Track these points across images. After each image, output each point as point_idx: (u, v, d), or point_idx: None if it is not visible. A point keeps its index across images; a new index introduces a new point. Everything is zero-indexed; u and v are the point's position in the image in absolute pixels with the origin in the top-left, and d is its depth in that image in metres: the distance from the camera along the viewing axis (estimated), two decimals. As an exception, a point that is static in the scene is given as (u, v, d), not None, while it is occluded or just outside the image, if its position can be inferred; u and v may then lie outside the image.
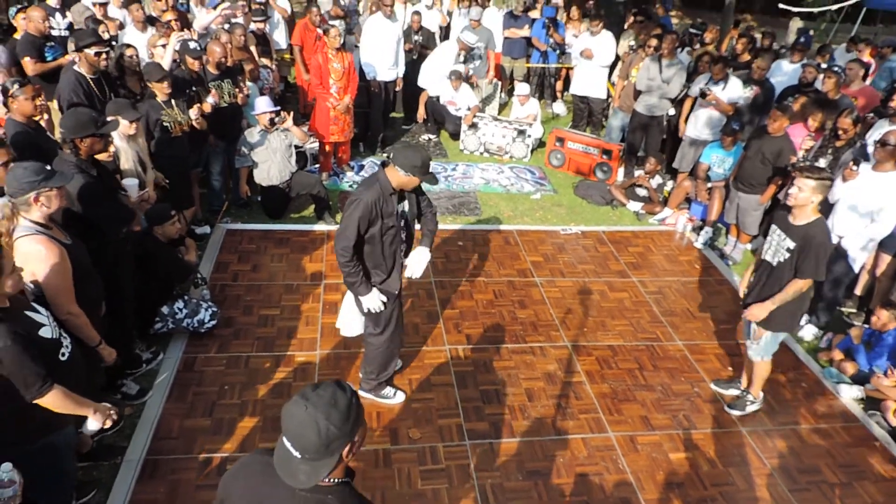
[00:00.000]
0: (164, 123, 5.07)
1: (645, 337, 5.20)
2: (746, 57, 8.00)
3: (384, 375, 4.19)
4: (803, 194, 3.72)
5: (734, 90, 6.88)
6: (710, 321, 5.46)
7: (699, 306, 5.66)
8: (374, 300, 3.78)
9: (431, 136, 8.95)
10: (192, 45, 5.57)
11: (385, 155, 3.69)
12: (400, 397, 4.30)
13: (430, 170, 3.58)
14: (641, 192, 7.35)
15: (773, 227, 4.00)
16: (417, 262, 3.90)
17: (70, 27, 6.84)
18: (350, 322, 4.18)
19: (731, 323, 5.39)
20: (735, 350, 5.06)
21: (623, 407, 4.46)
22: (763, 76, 7.01)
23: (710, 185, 6.73)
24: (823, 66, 6.97)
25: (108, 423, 2.78)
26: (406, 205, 3.77)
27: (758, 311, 4.00)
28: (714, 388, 4.67)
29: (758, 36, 9.87)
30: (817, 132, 5.79)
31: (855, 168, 4.99)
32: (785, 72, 7.56)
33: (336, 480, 1.74)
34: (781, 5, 6.40)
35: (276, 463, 1.71)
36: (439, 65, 8.51)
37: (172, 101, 5.16)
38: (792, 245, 3.82)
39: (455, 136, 8.77)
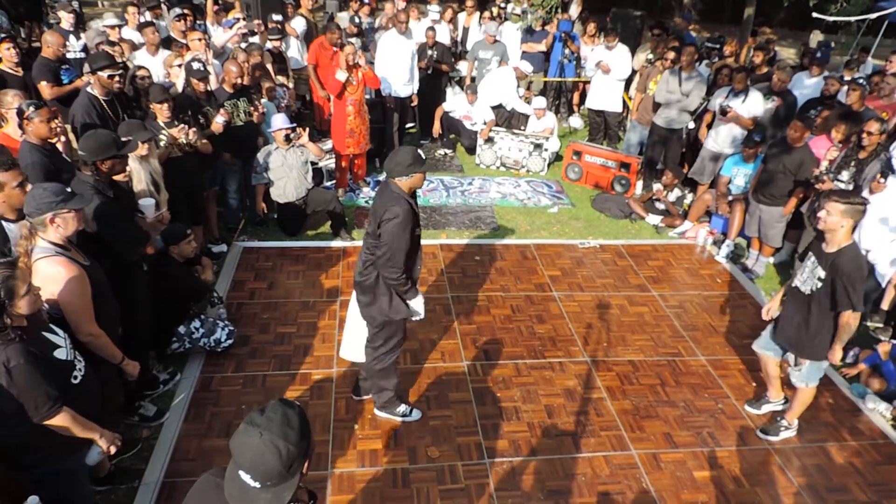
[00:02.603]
0: (163, 144, 5.04)
1: (666, 352, 5.11)
2: (764, 69, 7.91)
3: (390, 388, 4.12)
4: (832, 218, 3.60)
5: (755, 104, 6.78)
6: (732, 336, 5.35)
7: (721, 321, 5.56)
8: (421, 303, 3.84)
9: (447, 151, 8.95)
10: (196, 65, 5.50)
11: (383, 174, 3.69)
12: (416, 414, 4.25)
13: (424, 158, 3.58)
14: (660, 205, 7.27)
15: (810, 253, 3.89)
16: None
17: (85, 49, 6.95)
18: (356, 346, 4.15)
19: (755, 337, 5.23)
20: (759, 365, 4.91)
21: (645, 424, 4.37)
22: (784, 88, 6.93)
23: (730, 198, 6.64)
24: (847, 78, 6.86)
25: (113, 450, 2.76)
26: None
27: (834, 358, 3.87)
28: (747, 410, 4.54)
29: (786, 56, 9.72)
30: (842, 144, 5.69)
31: (882, 181, 4.89)
32: (807, 84, 7.46)
33: None
34: (815, 14, 6.31)
35: (232, 497, 1.64)
36: (499, 91, 8.64)
37: (175, 123, 5.13)
38: (823, 274, 3.72)
39: (471, 150, 8.77)
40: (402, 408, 4.23)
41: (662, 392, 4.68)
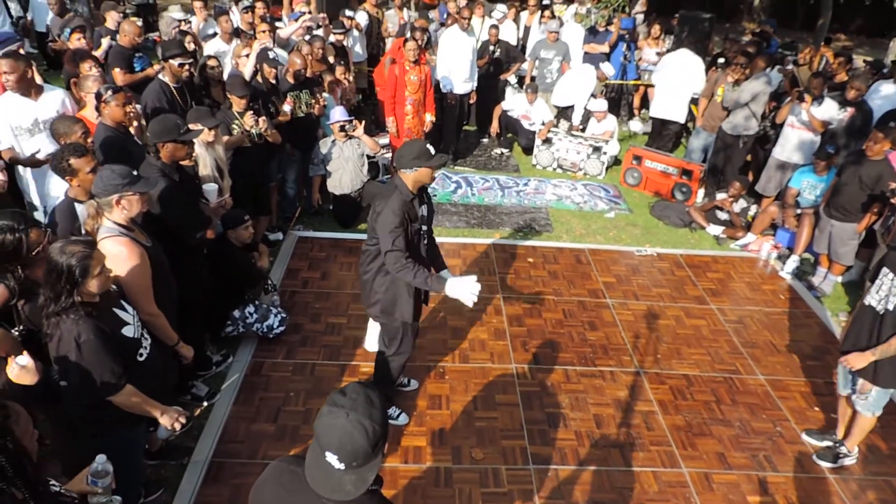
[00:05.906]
0: (236, 132, 5.13)
1: (723, 368, 4.92)
2: (843, 77, 7.55)
3: (386, 389, 4.01)
4: None
5: (828, 111, 6.49)
6: (794, 356, 5.11)
7: (783, 340, 5.32)
8: (465, 287, 3.37)
9: (504, 150, 8.87)
10: (272, 54, 5.64)
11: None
12: (403, 420, 4.13)
13: (434, 154, 3.43)
14: (722, 215, 7.02)
15: (885, 269, 3.64)
16: (464, 290, 3.43)
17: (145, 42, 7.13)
18: (371, 337, 4.20)
19: (819, 359, 5.04)
20: (823, 389, 4.72)
21: (698, 441, 4.21)
22: (859, 98, 6.59)
23: (798, 211, 6.35)
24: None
25: (178, 426, 2.80)
26: (425, 208, 3.68)
27: (854, 360, 3.65)
28: (806, 440, 4.30)
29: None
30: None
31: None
32: (885, 95, 7.08)
33: (369, 486, 1.67)
34: None
35: (315, 481, 1.64)
36: (579, 89, 8.50)
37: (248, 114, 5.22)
38: None
39: (528, 150, 8.66)
40: (391, 410, 4.09)
41: (717, 410, 4.50)
